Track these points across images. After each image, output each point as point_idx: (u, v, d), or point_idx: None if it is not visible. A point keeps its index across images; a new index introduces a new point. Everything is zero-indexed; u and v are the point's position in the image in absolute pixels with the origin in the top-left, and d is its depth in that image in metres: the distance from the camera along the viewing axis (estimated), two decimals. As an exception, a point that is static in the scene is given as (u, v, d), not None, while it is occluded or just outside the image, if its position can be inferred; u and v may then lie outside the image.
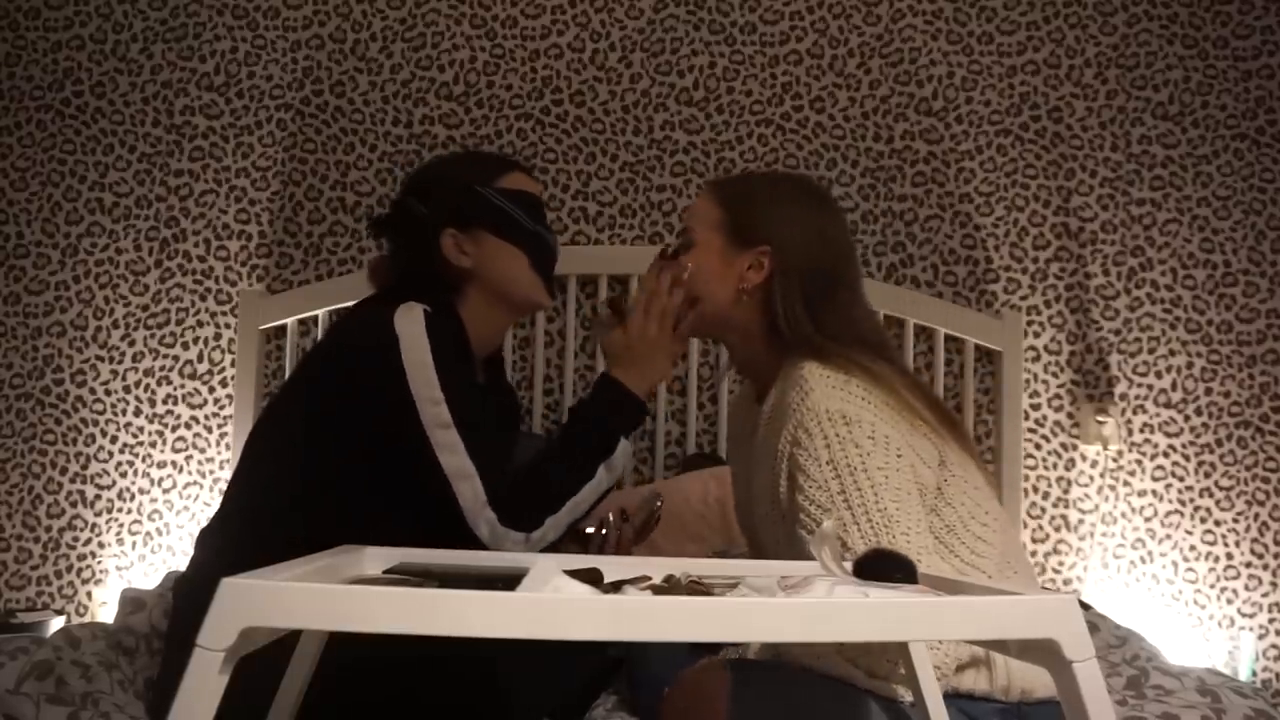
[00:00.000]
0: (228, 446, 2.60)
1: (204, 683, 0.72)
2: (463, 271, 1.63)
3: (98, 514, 2.60)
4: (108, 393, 2.63)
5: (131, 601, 1.79)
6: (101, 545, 2.59)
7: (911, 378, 1.40)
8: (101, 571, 2.58)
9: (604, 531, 1.65)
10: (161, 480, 2.61)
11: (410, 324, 1.50)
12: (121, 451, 2.62)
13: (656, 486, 1.85)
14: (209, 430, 2.62)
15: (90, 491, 2.60)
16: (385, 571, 1.00)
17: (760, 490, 1.39)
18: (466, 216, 1.63)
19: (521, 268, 1.65)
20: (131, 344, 2.65)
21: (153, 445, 2.62)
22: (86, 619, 2.52)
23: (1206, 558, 2.56)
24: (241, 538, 1.50)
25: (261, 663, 0.88)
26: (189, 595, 1.54)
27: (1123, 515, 2.58)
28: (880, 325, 1.47)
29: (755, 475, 1.42)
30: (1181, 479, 2.59)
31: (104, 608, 2.49)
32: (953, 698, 1.25)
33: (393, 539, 1.13)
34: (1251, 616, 2.55)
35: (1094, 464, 2.60)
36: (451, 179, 1.66)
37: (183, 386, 2.63)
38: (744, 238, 1.43)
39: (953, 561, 1.30)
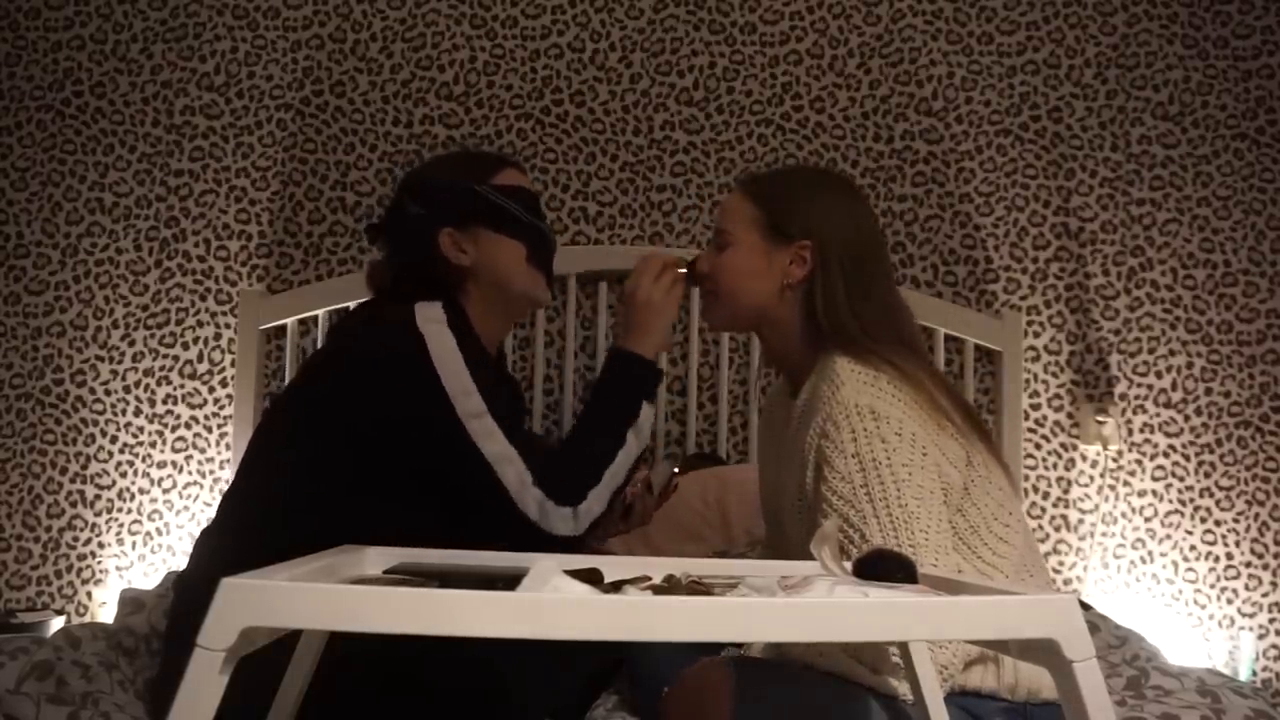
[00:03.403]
0: (228, 446, 2.60)
1: (204, 683, 0.72)
2: (462, 270, 1.64)
3: (98, 514, 2.60)
4: (108, 393, 2.63)
5: (131, 602, 1.79)
6: (101, 545, 2.59)
7: (941, 377, 1.41)
8: (101, 571, 2.57)
9: (626, 500, 1.67)
10: (161, 480, 2.60)
11: (433, 322, 1.53)
12: (121, 451, 2.62)
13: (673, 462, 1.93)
14: (209, 430, 2.62)
15: (90, 491, 2.60)
16: (385, 571, 1.00)
17: (788, 482, 1.40)
18: (464, 215, 1.64)
19: (519, 262, 1.66)
20: (131, 344, 2.64)
21: (153, 445, 2.62)
22: (86, 619, 2.52)
23: (1206, 558, 2.56)
24: (247, 540, 1.50)
25: (261, 663, 0.88)
26: (185, 595, 1.54)
27: (1123, 515, 2.58)
28: (914, 321, 1.47)
29: (784, 467, 1.43)
30: (1181, 479, 2.59)
31: (104, 608, 2.49)
32: (958, 695, 1.25)
33: (410, 541, 1.13)
34: (1251, 616, 2.54)
35: (1094, 464, 2.60)
36: (447, 179, 1.67)
37: (183, 386, 2.63)
38: (784, 233, 1.44)
39: (973, 561, 1.31)
